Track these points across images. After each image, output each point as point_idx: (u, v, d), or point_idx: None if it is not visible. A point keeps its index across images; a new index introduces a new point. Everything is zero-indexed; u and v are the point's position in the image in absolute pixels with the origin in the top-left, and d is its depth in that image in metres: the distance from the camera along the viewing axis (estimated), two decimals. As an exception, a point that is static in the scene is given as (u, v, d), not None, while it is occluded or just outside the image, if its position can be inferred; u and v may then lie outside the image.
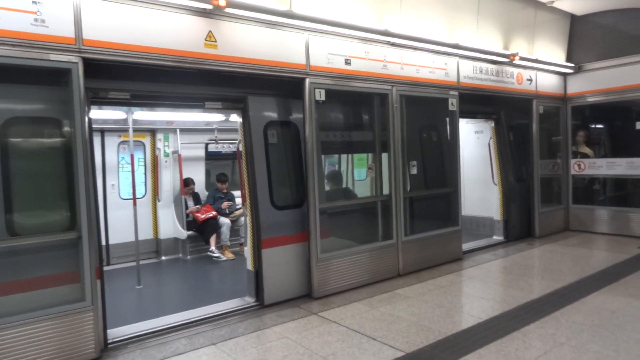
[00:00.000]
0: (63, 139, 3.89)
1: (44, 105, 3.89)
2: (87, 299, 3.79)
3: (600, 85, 8.64)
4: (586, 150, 8.93)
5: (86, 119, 3.89)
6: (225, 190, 8.30)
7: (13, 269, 3.64)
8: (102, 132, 7.41)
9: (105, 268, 7.05)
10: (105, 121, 6.93)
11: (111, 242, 7.45)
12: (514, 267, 6.41)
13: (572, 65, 8.87)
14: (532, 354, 3.65)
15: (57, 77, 3.84)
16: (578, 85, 8.95)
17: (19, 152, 3.78)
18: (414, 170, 6.50)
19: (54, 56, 3.68)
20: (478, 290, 5.48)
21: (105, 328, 4.04)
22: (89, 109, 4.04)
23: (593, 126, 9.64)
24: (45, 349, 3.60)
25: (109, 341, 4.09)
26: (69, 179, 3.84)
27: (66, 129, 3.86)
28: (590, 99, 8.83)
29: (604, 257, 6.88)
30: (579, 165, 8.87)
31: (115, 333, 4.26)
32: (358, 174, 7.51)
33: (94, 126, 4.64)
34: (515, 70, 8.00)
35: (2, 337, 3.44)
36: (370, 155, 6.45)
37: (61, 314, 3.68)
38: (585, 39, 8.86)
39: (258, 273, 5.09)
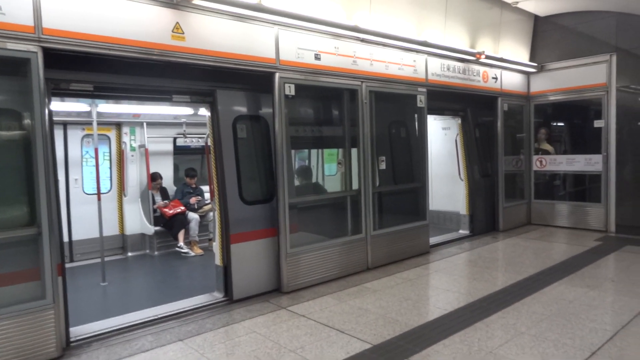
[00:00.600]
0: (22, 131, 3.74)
1: (1, 96, 3.74)
2: (48, 296, 3.67)
3: (561, 85, 8.96)
4: (547, 147, 9.25)
5: (46, 110, 3.75)
6: (194, 185, 8.18)
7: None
8: (65, 124, 7.17)
9: (69, 265, 6.89)
10: (68, 113, 6.71)
11: (74, 238, 7.23)
12: (479, 260, 6.59)
13: (535, 64, 9.16)
14: (495, 343, 3.78)
15: (15, 67, 3.69)
16: (540, 84, 9.25)
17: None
18: (383, 166, 6.58)
19: (12, 45, 3.53)
20: (444, 282, 5.62)
21: (67, 326, 3.93)
22: (50, 101, 3.91)
23: (554, 124, 10.01)
24: (3, 349, 3.47)
25: (72, 339, 3.98)
26: (28, 173, 3.70)
27: (25, 121, 3.72)
28: (552, 98, 9.15)
29: (563, 249, 7.17)
30: (541, 162, 9.18)
31: (78, 331, 4.15)
32: (328, 169, 7.54)
33: (56, 119, 4.49)
34: (482, 69, 8.20)
35: (-43, 337, 3.31)
36: (339, 150, 6.49)
37: (20, 313, 3.55)
38: (547, 39, 9.16)
39: (227, 268, 5.06)
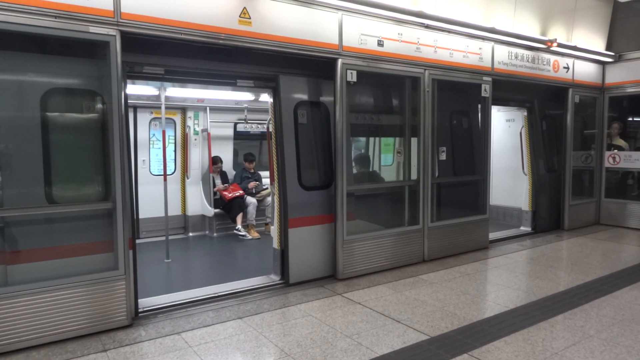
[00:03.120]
0: (100, 111, 3.96)
1: (83, 78, 3.96)
2: (120, 267, 3.89)
3: (641, 76, 8.33)
4: (620, 142, 8.65)
5: (122, 93, 3.94)
6: (252, 170, 8.36)
7: (51, 236, 3.76)
8: (135, 108, 7.51)
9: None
10: (138, 97, 7.03)
11: (141, 216, 7.60)
12: (542, 258, 6.30)
13: (612, 54, 8.54)
14: (560, 345, 3.60)
15: (95, 49, 3.90)
16: (617, 75, 8.62)
17: (57, 123, 3.87)
18: (443, 156, 6.41)
19: (93, 29, 3.73)
20: (504, 279, 5.41)
21: (136, 297, 4.16)
22: (126, 84, 4.10)
23: (630, 118, 9.31)
24: (79, 313, 3.73)
25: (140, 310, 4.21)
26: (105, 152, 3.92)
27: (104, 101, 3.93)
28: (630, 90, 8.51)
29: (636, 252, 6.68)
30: (614, 158, 8.59)
31: (145, 303, 4.38)
32: (384, 160, 7.46)
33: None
34: (552, 58, 7.75)
35: (39, 301, 3.57)
36: (398, 139, 6.38)
37: (95, 281, 3.79)
38: (627, 27, 8.50)
39: (284, 252, 5.14)
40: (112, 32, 3.80)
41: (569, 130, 8.17)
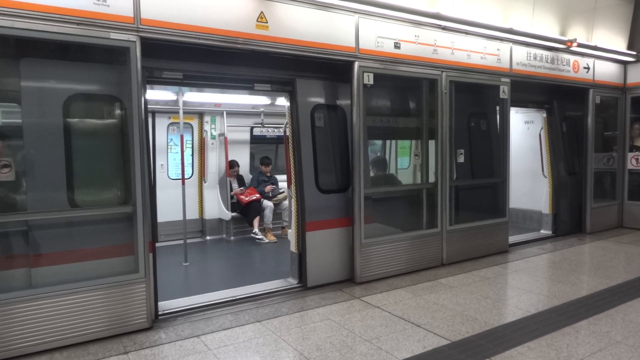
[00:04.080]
0: (120, 117, 4.01)
1: (103, 84, 4.02)
2: (140, 270, 3.93)
3: (664, 75, 8.14)
4: (643, 143, 8.46)
5: (142, 98, 3.98)
6: (268, 174, 8.39)
7: (73, 239, 3.82)
8: (153, 113, 7.60)
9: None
10: (156, 102, 7.11)
11: (159, 220, 7.66)
12: (564, 262, 6.18)
13: (634, 53, 8.36)
14: (586, 350, 3.52)
15: (115, 55, 3.95)
16: (639, 75, 8.44)
17: (79, 129, 3.93)
18: (461, 159, 6.34)
19: (114, 35, 3.78)
20: (525, 283, 5.32)
21: (156, 300, 4.19)
22: (145, 89, 4.14)
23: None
24: (100, 316, 3.77)
25: (160, 313, 4.24)
26: (125, 156, 3.97)
27: (124, 107, 3.97)
28: (653, 90, 8.33)
29: (662, 256, 6.52)
30: (637, 160, 8.39)
31: (165, 306, 4.41)
32: (402, 163, 7.41)
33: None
34: (572, 58, 7.62)
35: (62, 303, 3.62)
36: (416, 142, 6.33)
37: (116, 284, 3.83)
38: (649, 25, 8.34)
39: (301, 255, 5.13)
40: (132, 37, 3.85)
41: (589, 131, 8.01)
